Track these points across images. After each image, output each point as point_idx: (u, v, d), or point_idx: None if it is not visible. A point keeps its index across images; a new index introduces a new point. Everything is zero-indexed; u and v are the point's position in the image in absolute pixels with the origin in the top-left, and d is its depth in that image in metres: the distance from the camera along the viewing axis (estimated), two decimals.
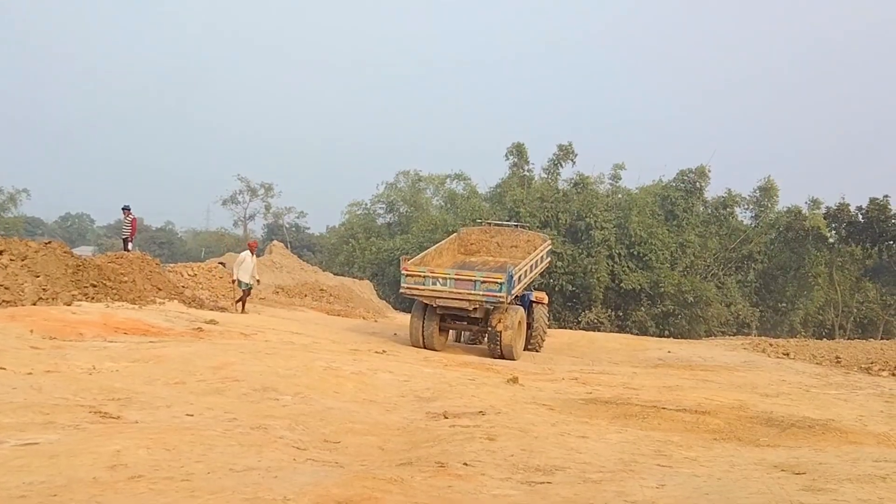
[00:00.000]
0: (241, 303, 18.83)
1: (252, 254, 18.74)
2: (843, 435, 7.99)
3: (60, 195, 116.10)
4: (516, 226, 22.37)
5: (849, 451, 7.03)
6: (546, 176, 42.65)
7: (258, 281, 20.48)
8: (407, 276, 16.36)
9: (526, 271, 17.42)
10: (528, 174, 42.91)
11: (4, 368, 7.72)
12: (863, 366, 16.84)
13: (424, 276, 16.19)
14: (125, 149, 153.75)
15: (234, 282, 19.27)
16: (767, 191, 43.99)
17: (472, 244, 20.12)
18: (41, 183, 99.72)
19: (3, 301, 12.84)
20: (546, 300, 19.46)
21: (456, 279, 16.08)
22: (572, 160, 41.96)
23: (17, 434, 5.36)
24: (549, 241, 20.90)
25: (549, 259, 20.74)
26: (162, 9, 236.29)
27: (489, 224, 21.94)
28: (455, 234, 20.88)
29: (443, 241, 20.04)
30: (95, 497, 4.22)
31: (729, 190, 43.60)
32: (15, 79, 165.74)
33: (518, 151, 42.84)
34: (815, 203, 42.44)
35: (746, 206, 44.70)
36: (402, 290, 16.87)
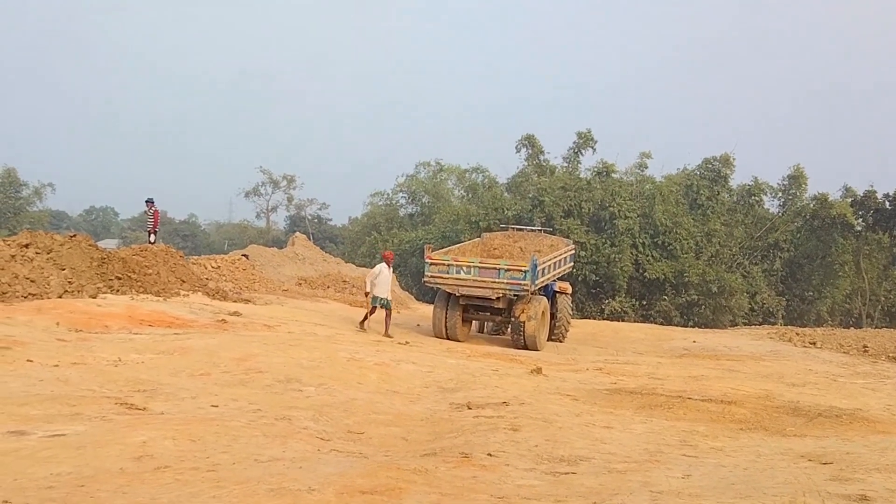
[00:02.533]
0: (384, 321, 15.80)
1: (388, 266, 16.24)
2: (871, 424, 7.90)
3: (85, 189, 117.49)
4: (539, 230, 22.22)
5: (877, 441, 6.94)
6: (567, 165, 42.32)
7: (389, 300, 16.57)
8: (431, 264, 16.38)
9: (550, 266, 17.38)
10: (545, 164, 42.60)
11: (31, 361, 7.82)
12: (891, 355, 16.64)
13: (448, 265, 16.20)
14: (149, 142, 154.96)
15: (366, 295, 16.54)
16: (796, 179, 43.30)
17: (494, 249, 20.02)
18: (66, 177, 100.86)
19: (30, 294, 13.00)
20: (570, 290, 19.40)
21: (480, 267, 16.10)
22: (592, 147, 41.58)
23: (45, 426, 5.43)
24: (573, 246, 20.83)
25: (571, 263, 20.63)
26: (185, 6, 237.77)
27: (512, 229, 21.79)
28: (478, 238, 20.89)
29: (466, 243, 20.03)
30: (122, 488, 4.26)
31: (755, 178, 43.05)
32: (35, 72, 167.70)
33: (530, 142, 42.50)
34: (848, 192, 41.77)
35: (774, 195, 44.13)
36: (425, 280, 16.88)
